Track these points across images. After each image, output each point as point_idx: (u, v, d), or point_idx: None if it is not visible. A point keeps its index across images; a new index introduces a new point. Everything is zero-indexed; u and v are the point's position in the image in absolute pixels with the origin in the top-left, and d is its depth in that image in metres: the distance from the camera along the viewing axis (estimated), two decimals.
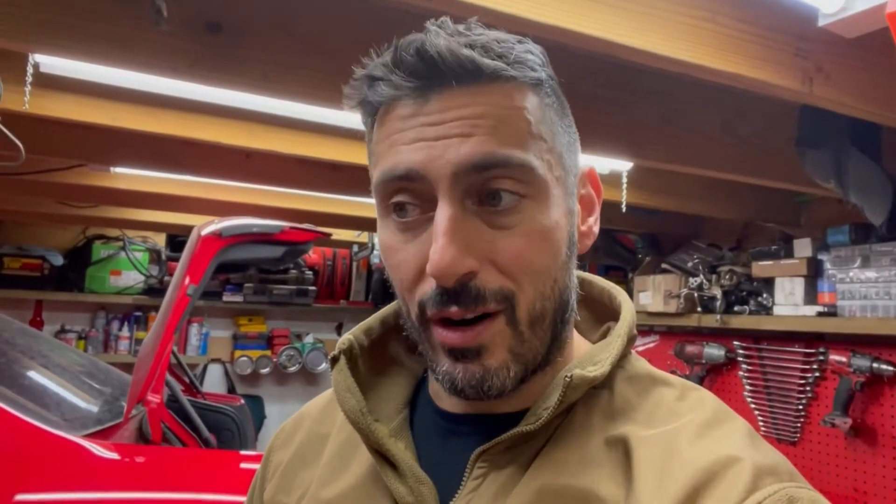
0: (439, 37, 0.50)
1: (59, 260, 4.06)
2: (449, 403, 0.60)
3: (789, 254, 2.47)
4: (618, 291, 0.64)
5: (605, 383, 0.57)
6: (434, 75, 0.50)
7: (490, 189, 0.50)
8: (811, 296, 2.36)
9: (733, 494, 0.46)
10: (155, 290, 4.18)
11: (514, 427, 0.53)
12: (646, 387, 0.57)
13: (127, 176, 2.74)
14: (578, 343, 0.62)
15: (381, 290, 4.74)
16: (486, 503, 0.53)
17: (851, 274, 2.17)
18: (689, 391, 0.57)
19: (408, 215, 0.53)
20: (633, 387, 0.57)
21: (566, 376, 0.52)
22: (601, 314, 0.65)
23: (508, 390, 0.53)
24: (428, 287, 0.52)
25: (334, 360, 0.61)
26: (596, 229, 0.61)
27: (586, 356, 0.57)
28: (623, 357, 0.59)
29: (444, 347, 0.53)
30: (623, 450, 0.52)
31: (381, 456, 0.58)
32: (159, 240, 4.39)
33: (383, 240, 0.55)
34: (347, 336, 0.63)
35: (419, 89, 0.50)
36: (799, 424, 2.48)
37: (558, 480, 0.51)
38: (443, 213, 0.50)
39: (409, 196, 0.52)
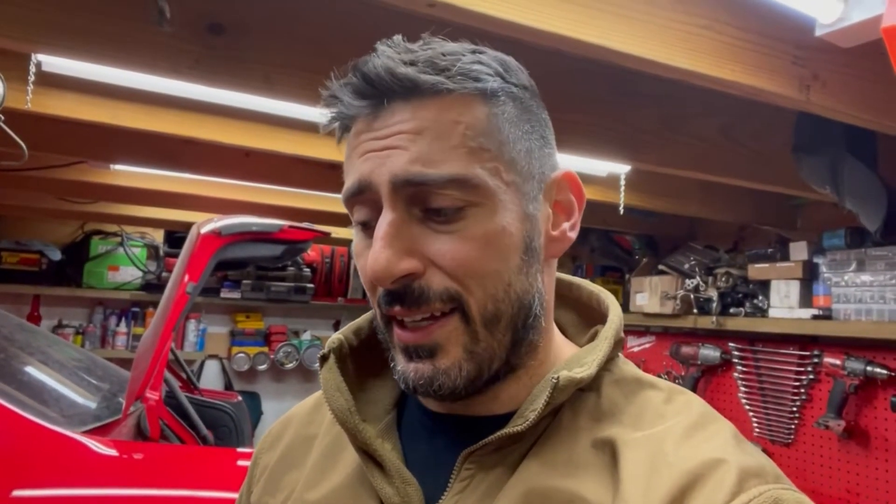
0: (383, 56, 0.53)
1: (57, 255, 4.06)
2: (436, 405, 0.61)
3: (785, 257, 2.48)
4: (606, 295, 0.65)
5: (592, 386, 0.57)
6: (376, 94, 0.53)
7: (430, 201, 0.52)
8: (806, 299, 2.37)
9: (719, 496, 0.46)
10: (153, 286, 4.18)
11: (501, 429, 0.54)
12: (633, 389, 0.58)
13: (126, 173, 2.74)
14: (564, 347, 0.63)
15: None
16: None
17: (846, 277, 2.19)
18: (675, 394, 0.58)
19: (368, 227, 0.56)
20: (620, 389, 0.58)
21: (553, 378, 0.53)
22: (589, 318, 0.66)
23: (460, 390, 0.54)
24: (380, 289, 0.54)
25: (324, 359, 0.62)
26: (572, 234, 0.60)
27: (573, 359, 0.58)
28: (610, 360, 0.60)
29: (401, 346, 0.55)
30: (610, 452, 0.53)
31: (368, 456, 0.58)
32: (157, 236, 4.39)
33: (353, 246, 0.59)
34: (337, 335, 0.64)
35: (368, 107, 0.54)
36: (793, 426, 2.50)
37: (545, 482, 0.52)
38: (383, 219, 0.52)
39: (365, 209, 0.55)
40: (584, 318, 0.67)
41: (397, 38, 0.55)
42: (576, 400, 0.57)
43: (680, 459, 0.49)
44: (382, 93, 0.53)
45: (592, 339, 0.62)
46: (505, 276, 0.54)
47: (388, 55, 0.53)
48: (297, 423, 0.71)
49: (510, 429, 0.53)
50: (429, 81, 0.52)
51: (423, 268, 0.52)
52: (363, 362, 0.65)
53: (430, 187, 0.52)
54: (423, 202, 0.52)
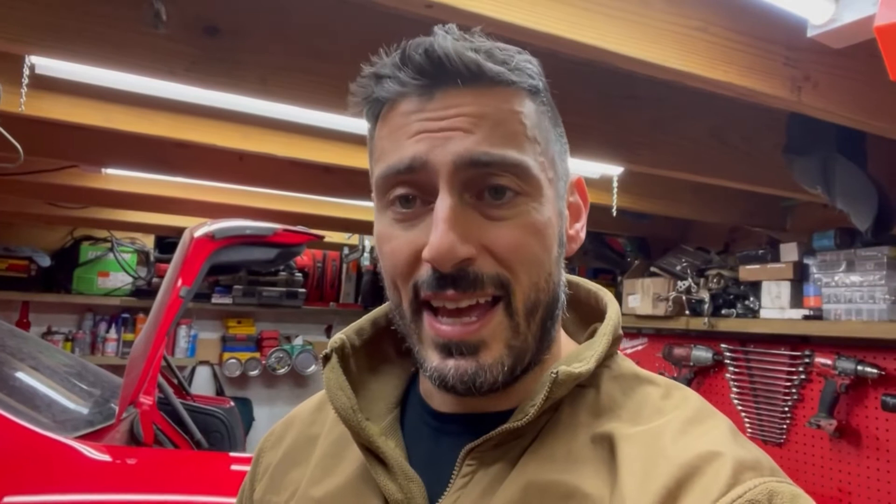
0: (447, 39, 0.53)
1: (46, 261, 4.03)
2: (439, 403, 0.61)
3: (776, 258, 2.50)
4: (604, 293, 0.66)
5: (591, 382, 0.58)
6: (440, 74, 0.53)
7: (488, 184, 0.53)
8: (797, 299, 2.39)
9: (715, 489, 0.47)
10: (143, 292, 4.15)
11: (501, 425, 0.55)
12: (631, 385, 0.59)
13: (118, 177, 2.73)
14: (566, 343, 0.64)
15: (370, 293, 4.74)
16: (475, 500, 0.54)
17: (837, 278, 2.21)
18: (673, 390, 0.59)
19: (409, 206, 0.55)
20: (618, 385, 0.59)
21: (552, 372, 0.54)
22: (588, 316, 0.67)
23: (500, 385, 0.54)
24: (424, 272, 0.54)
25: (326, 359, 0.62)
26: (582, 235, 0.63)
27: (572, 354, 0.59)
28: (609, 357, 0.61)
29: (436, 342, 0.54)
30: (608, 446, 0.53)
31: (372, 454, 0.59)
32: (148, 241, 4.36)
33: (379, 230, 0.58)
34: (339, 335, 0.64)
35: (425, 87, 0.53)
36: (785, 426, 2.52)
37: (545, 476, 0.52)
38: (443, 202, 0.52)
39: (410, 188, 0.54)
40: (583, 315, 0.68)
41: (452, 26, 0.55)
42: (575, 396, 0.57)
43: (677, 453, 0.50)
44: (445, 74, 0.53)
45: (591, 336, 0.63)
46: (547, 265, 0.56)
47: (453, 39, 0.53)
48: (299, 423, 0.72)
49: (510, 424, 0.54)
50: (493, 70, 0.53)
51: (476, 254, 0.53)
52: (365, 362, 0.66)
53: (492, 170, 0.53)
54: (479, 186, 0.53)
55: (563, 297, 0.59)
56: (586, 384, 0.58)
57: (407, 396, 0.66)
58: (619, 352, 0.63)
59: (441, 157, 0.52)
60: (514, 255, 0.53)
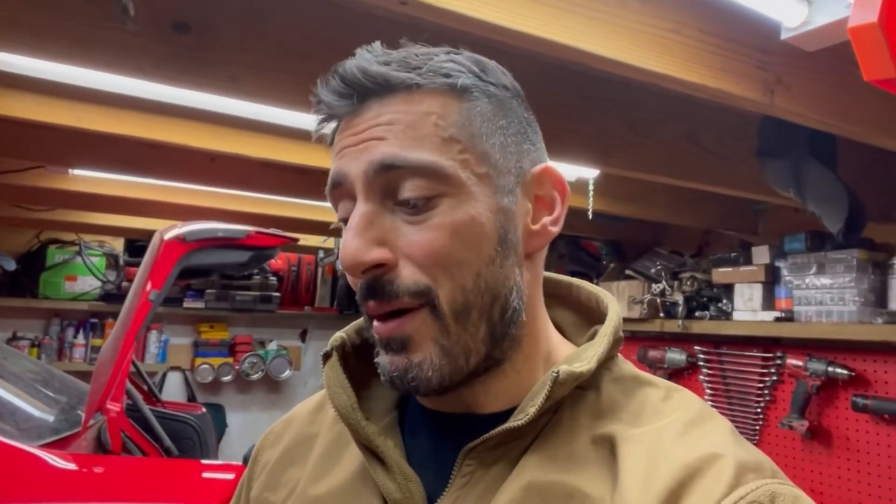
0: (359, 58, 0.56)
1: (11, 265, 3.92)
2: (436, 403, 0.61)
3: (748, 261, 2.53)
4: (605, 295, 0.65)
5: (591, 384, 0.58)
6: (353, 93, 0.55)
7: (400, 188, 0.53)
8: (769, 301, 2.42)
9: (717, 490, 0.47)
10: (112, 297, 4.07)
11: (501, 425, 0.54)
12: (632, 387, 0.59)
13: (86, 178, 2.67)
14: (561, 345, 0.63)
15: (346, 297, 4.70)
16: (475, 500, 0.54)
17: (807, 280, 2.24)
18: (673, 392, 0.59)
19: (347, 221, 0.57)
20: (619, 387, 0.59)
21: (553, 372, 0.54)
22: (589, 318, 0.67)
23: (435, 385, 0.54)
24: (359, 283, 0.55)
25: (326, 357, 0.63)
26: (553, 229, 0.60)
27: (573, 355, 0.59)
28: (610, 359, 0.60)
29: (378, 340, 0.56)
30: (609, 447, 0.53)
31: (371, 453, 0.58)
32: (117, 244, 4.28)
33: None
34: (340, 333, 0.65)
35: (346, 107, 0.56)
36: (758, 427, 2.54)
37: (545, 477, 0.52)
38: (356, 210, 0.54)
39: (345, 203, 0.57)
40: (584, 318, 0.67)
41: (376, 43, 0.57)
42: (576, 397, 0.57)
43: (678, 454, 0.50)
44: (358, 91, 0.55)
45: (592, 338, 0.63)
46: (474, 266, 0.54)
47: (365, 57, 0.56)
48: (298, 423, 0.72)
49: (511, 424, 0.54)
50: (399, 77, 0.54)
51: (395, 259, 0.53)
52: (365, 361, 0.65)
53: (402, 174, 0.53)
54: (394, 194, 0.54)
55: (514, 295, 0.56)
56: (587, 386, 0.58)
57: (407, 397, 0.66)
58: (619, 354, 0.63)
59: (354, 168, 0.54)
60: (430, 258, 0.53)
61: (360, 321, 0.67)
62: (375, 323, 0.56)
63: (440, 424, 0.61)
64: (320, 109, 0.58)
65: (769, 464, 0.51)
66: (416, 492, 0.56)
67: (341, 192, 0.56)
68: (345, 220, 0.57)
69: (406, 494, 0.56)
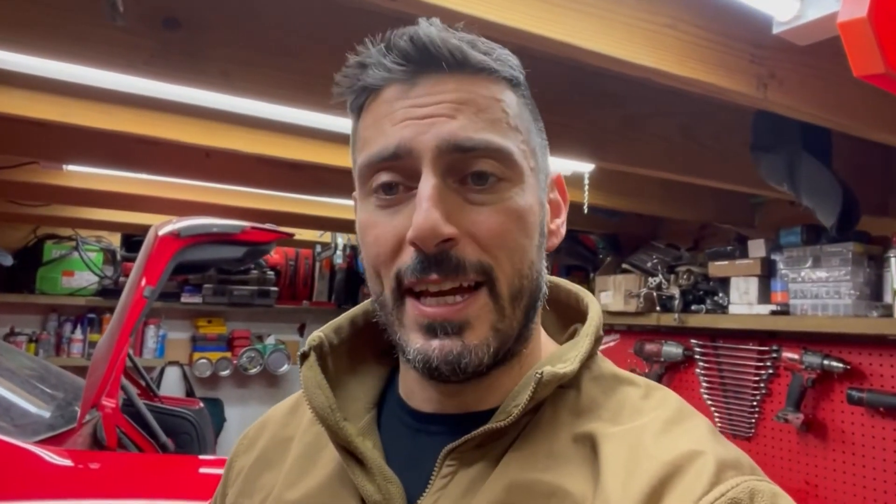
0: (431, 28, 0.54)
1: (8, 260, 3.91)
2: (420, 402, 0.61)
3: (744, 254, 2.53)
4: (584, 294, 0.66)
5: (572, 383, 0.58)
6: (424, 60, 0.54)
7: (471, 169, 0.54)
8: (765, 295, 2.42)
9: (697, 487, 0.47)
10: (109, 292, 4.07)
11: (483, 425, 0.54)
12: (611, 386, 0.59)
13: (80, 174, 2.66)
14: (546, 343, 0.63)
15: (344, 291, 4.70)
16: (455, 500, 0.54)
17: (803, 274, 2.24)
18: (653, 390, 0.59)
19: (393, 193, 0.55)
20: (599, 386, 0.59)
21: (537, 373, 0.54)
22: (568, 317, 0.67)
23: (484, 369, 0.54)
24: (407, 257, 0.53)
25: (304, 357, 0.61)
26: (562, 231, 0.64)
27: (555, 355, 0.59)
28: (590, 358, 0.60)
29: (420, 323, 0.54)
30: (590, 446, 0.53)
31: (349, 454, 0.58)
32: (114, 240, 4.27)
33: (362, 219, 0.58)
34: (317, 333, 0.63)
35: (409, 73, 0.54)
36: (753, 420, 2.55)
37: (527, 475, 0.52)
38: (427, 182, 0.52)
39: (394, 175, 0.54)
40: (563, 316, 0.68)
41: (435, 19, 0.56)
42: (556, 396, 0.57)
43: (659, 451, 0.50)
44: (429, 60, 0.53)
45: (571, 336, 0.63)
46: (529, 253, 0.56)
47: (437, 28, 0.54)
48: (273, 426, 0.71)
49: (493, 424, 0.54)
50: (477, 58, 0.54)
51: (459, 237, 0.53)
52: (343, 361, 0.65)
53: (475, 155, 0.53)
54: (461, 171, 0.54)
55: (544, 288, 0.59)
56: (567, 385, 0.58)
57: (384, 397, 0.65)
58: (599, 352, 0.63)
59: (425, 141, 0.52)
60: (496, 240, 0.53)
61: (337, 320, 0.66)
62: (421, 306, 0.53)
63: (421, 424, 0.60)
64: (365, 72, 0.56)
65: (748, 461, 0.51)
66: (396, 493, 0.55)
67: (399, 163, 0.53)
68: (384, 186, 0.55)
69: (385, 496, 0.55)
